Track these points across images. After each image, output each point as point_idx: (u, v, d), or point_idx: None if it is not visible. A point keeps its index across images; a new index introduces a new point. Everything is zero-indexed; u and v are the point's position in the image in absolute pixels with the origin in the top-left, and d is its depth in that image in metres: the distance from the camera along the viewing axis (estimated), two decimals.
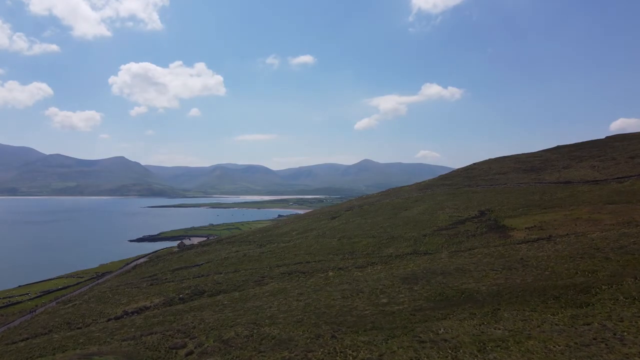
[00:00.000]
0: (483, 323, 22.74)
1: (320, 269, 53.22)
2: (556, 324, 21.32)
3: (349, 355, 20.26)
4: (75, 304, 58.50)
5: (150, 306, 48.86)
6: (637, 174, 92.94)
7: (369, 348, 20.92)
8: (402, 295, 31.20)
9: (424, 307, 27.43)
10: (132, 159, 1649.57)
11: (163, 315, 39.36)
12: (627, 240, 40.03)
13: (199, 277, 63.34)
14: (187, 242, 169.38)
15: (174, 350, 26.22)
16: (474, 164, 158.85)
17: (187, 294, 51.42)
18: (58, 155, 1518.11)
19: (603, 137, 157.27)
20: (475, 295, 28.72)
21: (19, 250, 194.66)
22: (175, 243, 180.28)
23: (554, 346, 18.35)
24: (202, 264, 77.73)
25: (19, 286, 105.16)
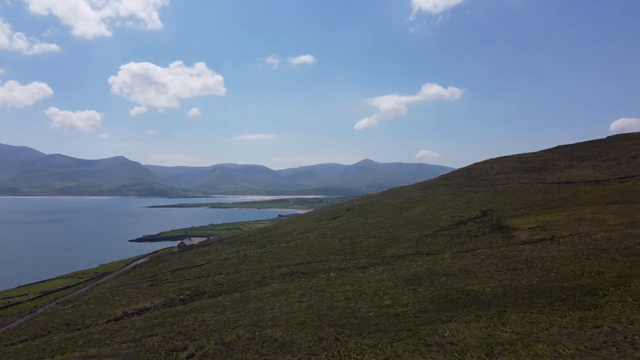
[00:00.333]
0: (489, 326, 22.33)
1: (321, 269, 52.79)
2: (565, 327, 20.91)
3: (354, 359, 19.85)
4: (74, 305, 58.07)
5: (151, 307, 48.43)
6: (639, 174, 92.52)
7: (374, 351, 20.50)
8: (406, 297, 30.77)
9: (428, 309, 27.01)
10: (132, 158, 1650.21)
11: (163, 317, 38.94)
12: (633, 241, 39.59)
13: (199, 277, 62.92)
14: (187, 242, 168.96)
15: (174, 353, 25.80)
16: (475, 163, 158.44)
17: (187, 294, 50.99)
18: (58, 155, 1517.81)
19: (604, 137, 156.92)
20: (480, 296, 28.30)
21: (19, 250, 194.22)
22: (175, 243, 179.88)
23: (564, 350, 17.93)
24: (202, 265, 77.31)
25: (19, 286, 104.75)
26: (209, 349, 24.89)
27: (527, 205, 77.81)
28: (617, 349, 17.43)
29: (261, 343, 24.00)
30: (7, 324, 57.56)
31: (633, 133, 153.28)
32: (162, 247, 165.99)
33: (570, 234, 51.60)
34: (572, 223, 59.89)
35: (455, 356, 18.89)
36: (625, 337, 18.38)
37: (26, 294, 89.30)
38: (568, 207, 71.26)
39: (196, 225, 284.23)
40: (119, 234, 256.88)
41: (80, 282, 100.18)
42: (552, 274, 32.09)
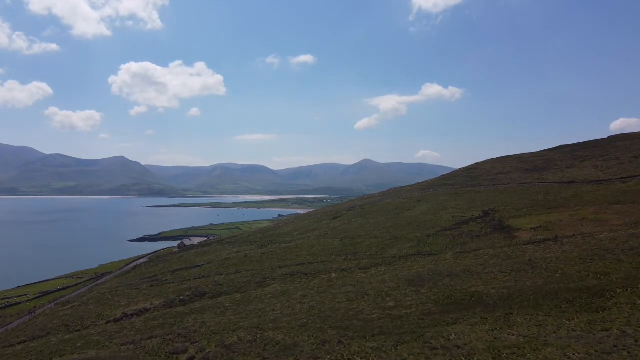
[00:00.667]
0: (496, 328, 21.91)
1: (323, 270, 52.37)
2: (573, 330, 20.49)
3: None
4: (74, 306, 57.64)
5: (150, 308, 48.01)
6: None
7: (378, 355, 20.08)
8: (409, 299, 30.34)
9: (432, 311, 26.59)
10: (132, 158, 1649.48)
11: (163, 318, 38.52)
12: (637, 242, 39.14)
13: (199, 278, 62.49)
14: (187, 242, 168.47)
15: (174, 356, 25.39)
16: (476, 163, 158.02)
17: (187, 295, 50.56)
18: (58, 155, 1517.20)
19: (604, 136, 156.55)
20: (485, 298, 27.88)
21: (19, 250, 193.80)
22: (175, 243, 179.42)
23: (574, 354, 17.51)
24: (202, 265, 76.89)
25: (18, 287, 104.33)
26: (209, 351, 24.48)
27: (529, 206, 77.39)
28: (629, 352, 16.99)
29: (263, 346, 23.58)
30: (6, 325, 57.13)
31: (634, 133, 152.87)
32: (162, 247, 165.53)
33: (574, 235, 51.15)
34: (575, 223, 59.47)
35: None
36: (637, 341, 17.93)
37: (25, 295, 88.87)
38: (570, 207, 70.83)
39: (196, 225, 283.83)
40: (119, 233, 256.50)
41: (80, 283, 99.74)
42: (557, 275, 31.66)
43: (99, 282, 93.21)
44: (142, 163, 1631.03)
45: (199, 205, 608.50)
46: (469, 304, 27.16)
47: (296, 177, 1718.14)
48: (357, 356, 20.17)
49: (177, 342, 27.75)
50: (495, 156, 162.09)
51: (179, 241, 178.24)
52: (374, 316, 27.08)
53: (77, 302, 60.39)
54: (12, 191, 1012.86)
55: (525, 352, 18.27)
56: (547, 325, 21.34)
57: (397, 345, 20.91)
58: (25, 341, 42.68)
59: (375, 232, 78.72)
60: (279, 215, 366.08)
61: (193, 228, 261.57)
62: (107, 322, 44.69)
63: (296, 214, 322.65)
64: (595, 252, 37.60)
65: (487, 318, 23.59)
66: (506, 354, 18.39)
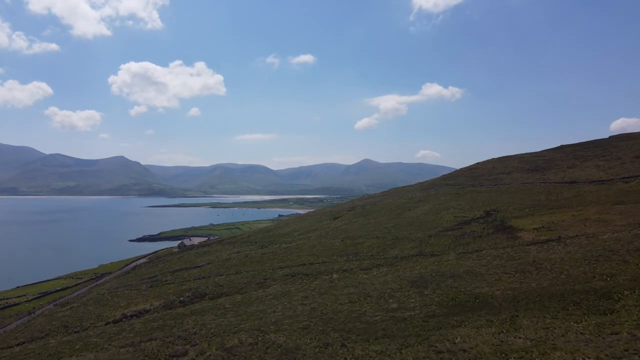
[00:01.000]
0: (502, 331, 21.47)
1: (324, 270, 51.93)
2: (581, 333, 20.03)
3: None
4: (73, 307, 57.20)
5: (150, 309, 47.57)
6: None
7: (382, 359, 19.65)
8: (413, 300, 29.90)
9: (436, 313, 26.15)
10: (132, 158, 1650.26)
11: (163, 320, 38.07)
12: None
13: (199, 278, 62.05)
14: (187, 242, 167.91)
15: (174, 359, 24.95)
16: (477, 163, 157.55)
17: (187, 296, 50.13)
18: (58, 154, 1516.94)
19: (604, 136, 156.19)
20: (490, 300, 27.44)
21: (18, 250, 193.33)
22: (175, 243, 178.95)
23: (583, 358, 17.05)
24: (202, 265, 76.44)
25: (17, 287, 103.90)
26: (210, 354, 24.04)
27: (531, 206, 76.95)
28: None
29: (264, 349, 23.14)
30: (5, 326, 56.72)
31: (635, 132, 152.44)
32: (162, 247, 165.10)
33: (577, 235, 50.71)
34: (578, 223, 59.04)
35: None
36: None
37: (24, 295, 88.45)
38: (573, 207, 70.39)
39: (196, 225, 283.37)
40: (119, 233, 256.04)
41: (80, 283, 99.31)
42: (563, 276, 31.23)
43: (98, 282, 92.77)
44: (142, 163, 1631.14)
45: (199, 205, 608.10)
46: (474, 306, 26.73)
47: (296, 177, 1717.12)
48: None
49: (176, 345, 27.31)
50: (495, 156, 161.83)
51: (179, 241, 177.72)
52: (377, 318, 26.65)
53: (76, 303, 59.95)
54: (12, 191, 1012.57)
55: (534, 356, 17.83)
56: (555, 328, 20.90)
57: (402, 349, 20.48)
58: (23, 342, 42.26)
59: (377, 232, 78.27)
60: (279, 215, 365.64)
61: (193, 228, 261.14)
62: (107, 324, 44.26)
63: (296, 213, 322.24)
64: (599, 253, 37.16)
65: (492, 320, 23.15)
66: (514, 358, 17.96)
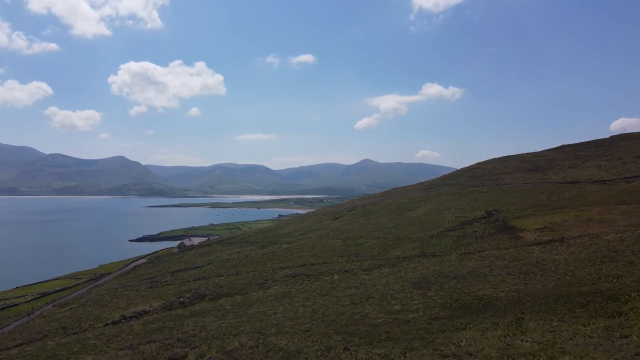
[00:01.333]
0: (508, 334, 21.02)
1: (325, 271, 51.50)
2: (590, 337, 19.58)
3: None
4: (72, 308, 56.76)
5: (150, 310, 47.14)
6: None
7: None
8: (416, 302, 29.46)
9: (440, 316, 25.70)
10: (132, 158, 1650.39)
11: (162, 321, 37.64)
12: None
13: (199, 279, 61.63)
14: (187, 242, 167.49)
15: None
16: (478, 163, 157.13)
17: (187, 297, 49.70)
18: (58, 154, 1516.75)
19: (604, 136, 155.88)
20: (494, 302, 26.99)
21: (18, 250, 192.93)
22: (175, 243, 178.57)
23: None
24: (202, 266, 76.02)
25: (16, 287, 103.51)
26: (210, 357, 23.59)
27: (533, 206, 76.52)
28: None
29: (265, 352, 22.69)
30: (3, 327, 56.30)
31: (636, 132, 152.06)
32: (162, 248, 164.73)
33: (580, 235, 50.27)
34: (581, 224, 58.63)
35: None
36: None
37: (23, 296, 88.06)
38: (575, 208, 69.97)
39: (196, 225, 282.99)
40: (119, 233, 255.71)
41: (79, 284, 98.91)
42: (568, 277, 30.80)
43: (97, 283, 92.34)
44: (142, 163, 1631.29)
45: (199, 205, 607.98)
46: (478, 308, 26.29)
47: (296, 177, 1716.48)
48: None
49: (176, 347, 26.87)
50: (495, 156, 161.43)
51: (179, 241, 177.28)
52: (379, 320, 26.21)
53: (75, 304, 59.52)
54: (12, 191, 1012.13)
55: None
56: (562, 331, 20.44)
57: (406, 352, 20.03)
58: (21, 344, 41.84)
59: (378, 232, 77.84)
60: (279, 215, 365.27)
61: (193, 228, 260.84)
62: (105, 325, 43.82)
63: (296, 213, 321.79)
64: (604, 254, 36.75)
65: (498, 323, 22.70)
66: None
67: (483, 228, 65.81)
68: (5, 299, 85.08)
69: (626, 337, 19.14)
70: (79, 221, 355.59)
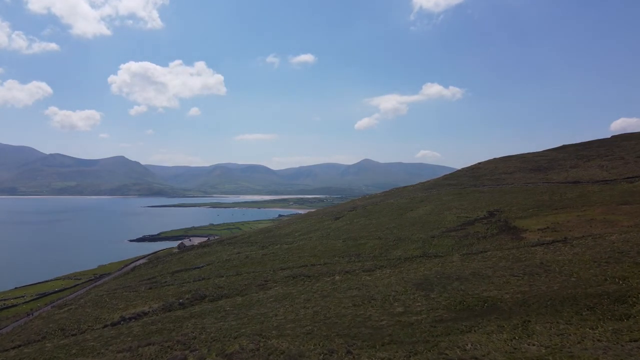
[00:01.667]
0: (514, 337, 20.57)
1: (326, 272, 51.04)
2: (598, 340, 19.14)
3: None
4: (70, 309, 56.30)
5: (149, 312, 46.69)
6: None
7: None
8: (419, 304, 29.02)
9: (444, 318, 25.26)
10: (132, 158, 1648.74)
11: (162, 323, 37.20)
12: None
13: (199, 280, 61.18)
14: (187, 242, 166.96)
15: None
16: (479, 163, 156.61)
17: (187, 298, 49.26)
18: (58, 154, 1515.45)
19: (605, 136, 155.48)
20: (499, 304, 26.55)
21: (18, 250, 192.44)
22: (175, 243, 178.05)
23: None
24: (202, 266, 75.55)
25: (16, 288, 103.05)
26: None
27: (534, 206, 76.04)
28: None
29: (266, 355, 22.25)
30: (1, 329, 55.85)
31: (637, 132, 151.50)
32: (162, 248, 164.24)
33: (583, 236, 49.80)
34: (584, 224, 58.14)
35: None
36: None
37: (22, 296, 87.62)
38: (577, 208, 69.49)
39: (196, 225, 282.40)
40: (119, 233, 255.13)
41: (78, 284, 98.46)
42: (573, 279, 30.35)
43: (97, 283, 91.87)
44: (142, 163, 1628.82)
45: (199, 205, 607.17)
46: (483, 310, 25.84)
47: (296, 177, 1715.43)
48: None
49: (175, 350, 26.44)
50: (496, 156, 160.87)
51: (179, 241, 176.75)
52: (382, 323, 25.76)
53: (74, 305, 59.05)
54: (12, 191, 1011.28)
55: None
56: (570, 335, 20.01)
57: (410, 356, 19.59)
58: (19, 346, 41.40)
59: (379, 232, 77.38)
60: (280, 215, 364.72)
61: (193, 228, 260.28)
62: (104, 327, 43.38)
63: (297, 214, 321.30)
64: (609, 255, 36.29)
65: (503, 326, 22.26)
66: None
67: (485, 228, 65.35)
68: (4, 300, 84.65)
69: (635, 340, 18.68)
70: (78, 221, 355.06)
